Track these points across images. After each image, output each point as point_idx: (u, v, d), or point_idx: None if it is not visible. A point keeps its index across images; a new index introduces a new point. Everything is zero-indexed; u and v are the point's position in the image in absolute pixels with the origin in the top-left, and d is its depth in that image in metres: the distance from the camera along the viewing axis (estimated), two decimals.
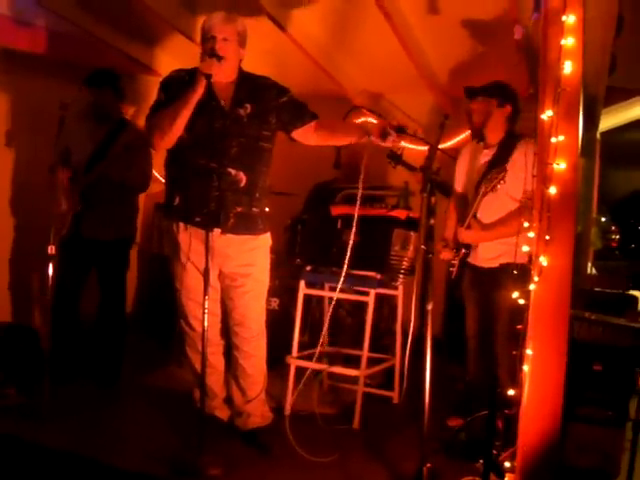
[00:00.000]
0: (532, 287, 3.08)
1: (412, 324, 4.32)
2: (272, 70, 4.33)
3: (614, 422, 4.02)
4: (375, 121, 4.26)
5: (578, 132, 3.09)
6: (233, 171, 3.88)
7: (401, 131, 3.93)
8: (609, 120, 8.34)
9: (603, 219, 10.38)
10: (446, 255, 4.41)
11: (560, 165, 3.04)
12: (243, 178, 3.92)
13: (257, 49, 4.27)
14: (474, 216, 4.22)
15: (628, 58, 5.43)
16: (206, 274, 3.59)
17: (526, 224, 3.30)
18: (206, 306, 3.59)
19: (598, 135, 8.68)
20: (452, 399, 4.69)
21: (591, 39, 3.38)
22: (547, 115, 3.09)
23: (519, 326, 3.13)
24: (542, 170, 3.12)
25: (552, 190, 3.04)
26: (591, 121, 5.45)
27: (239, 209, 3.93)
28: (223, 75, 3.84)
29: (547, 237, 3.04)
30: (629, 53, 5.36)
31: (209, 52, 3.73)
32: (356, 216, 4.08)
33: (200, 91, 3.72)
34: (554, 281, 3.04)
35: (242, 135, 3.90)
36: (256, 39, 4.14)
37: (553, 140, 3.05)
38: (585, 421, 4.31)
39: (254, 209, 4.00)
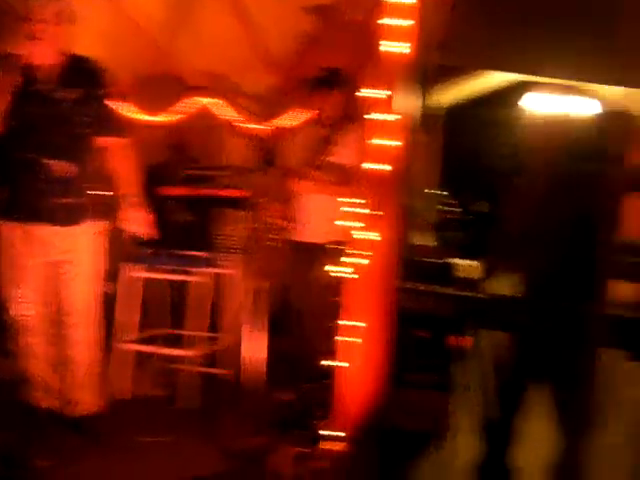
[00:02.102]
0: (360, 261, 3.15)
1: (247, 302, 4.38)
2: (108, 51, 4.22)
3: (440, 386, 4.21)
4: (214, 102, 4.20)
5: (405, 109, 3.16)
6: (58, 161, 3.74)
7: None
8: (447, 97, 8.62)
9: (442, 192, 10.80)
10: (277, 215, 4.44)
11: (387, 142, 3.10)
12: (69, 168, 3.79)
13: (92, 30, 4.14)
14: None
15: (465, 36, 5.62)
16: (33, 265, 3.50)
17: (352, 200, 3.37)
18: (30, 296, 3.51)
19: (442, 111, 8.98)
20: (286, 373, 4.74)
21: (424, 17, 3.46)
22: (374, 93, 3.15)
23: (335, 298, 3.20)
24: (369, 147, 3.18)
25: (379, 166, 3.11)
26: (426, 97, 5.60)
27: (66, 200, 3.80)
28: (41, 57, 3.68)
29: (375, 212, 3.11)
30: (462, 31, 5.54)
31: (26, 34, 3.60)
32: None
33: (12, 75, 3.58)
34: (381, 254, 3.12)
35: (66, 122, 3.76)
36: (91, 19, 4.00)
37: (380, 117, 3.12)
38: (413, 386, 4.50)
39: (81, 199, 3.86)
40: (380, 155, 3.12)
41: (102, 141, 3.93)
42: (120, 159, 3.97)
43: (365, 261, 3.14)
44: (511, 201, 3.59)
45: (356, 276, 3.19)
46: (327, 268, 3.36)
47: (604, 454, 2.68)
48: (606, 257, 2.31)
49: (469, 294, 3.12)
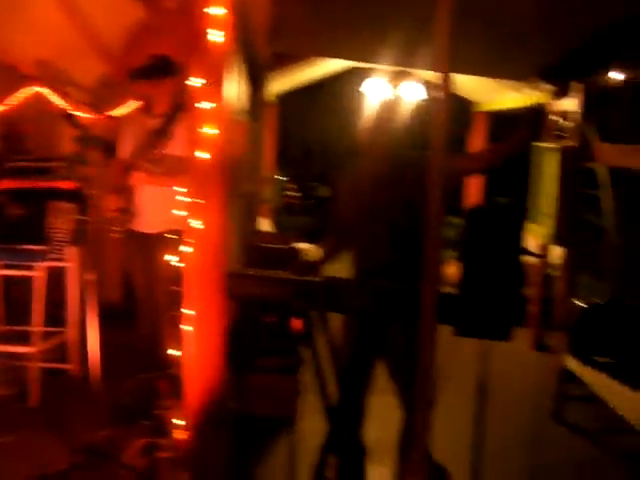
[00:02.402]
0: (187, 249, 3.17)
1: (78, 295, 4.31)
2: None
3: (288, 369, 4.30)
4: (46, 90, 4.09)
5: (224, 98, 3.17)
6: None
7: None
8: (282, 84, 8.73)
9: (281, 177, 10.92)
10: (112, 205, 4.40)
11: (208, 130, 3.13)
12: None
13: None
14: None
15: (293, 25, 5.71)
16: None
17: (184, 189, 3.39)
18: None
19: (273, 97, 9.07)
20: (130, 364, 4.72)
21: (242, 6, 3.49)
22: (196, 82, 3.16)
23: (176, 287, 3.21)
24: (192, 136, 3.20)
25: (201, 154, 3.13)
26: (257, 85, 5.65)
27: None
28: None
29: (199, 200, 3.13)
30: (293, 20, 5.63)
31: None
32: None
33: None
34: (208, 242, 3.14)
35: None
36: None
37: (202, 106, 3.14)
38: (263, 371, 4.56)
39: None
40: (205, 143, 3.13)
41: None
42: None
43: (191, 249, 3.15)
44: (345, 185, 3.69)
45: (186, 264, 3.20)
46: (166, 257, 3.35)
47: (441, 425, 2.85)
48: (435, 237, 2.43)
49: (308, 278, 3.19)
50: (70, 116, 3.93)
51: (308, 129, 12.40)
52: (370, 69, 8.40)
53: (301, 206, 11.49)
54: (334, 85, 10.59)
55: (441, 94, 2.41)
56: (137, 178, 4.32)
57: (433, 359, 2.49)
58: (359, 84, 8.69)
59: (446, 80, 2.42)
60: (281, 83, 8.62)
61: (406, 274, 2.73)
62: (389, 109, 3.54)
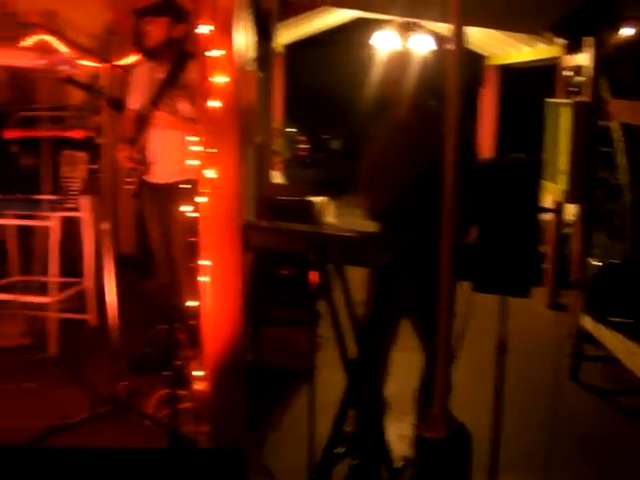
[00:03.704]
0: (201, 200, 3.14)
1: (92, 245, 4.29)
2: None
3: (305, 322, 4.29)
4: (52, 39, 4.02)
5: (234, 45, 3.11)
6: None
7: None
8: (290, 34, 8.62)
9: (291, 130, 10.84)
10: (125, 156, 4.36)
11: (219, 79, 3.07)
12: None
13: None
14: None
15: None
16: None
17: (195, 138, 3.35)
18: None
19: (280, 48, 8.96)
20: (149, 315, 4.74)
21: None
22: (204, 30, 3.10)
23: (192, 238, 3.19)
24: (202, 85, 3.15)
25: (213, 104, 3.08)
26: (266, 35, 5.58)
27: None
28: None
29: (212, 150, 3.09)
30: None
31: None
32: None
33: None
34: (222, 193, 3.11)
35: None
36: None
37: (210, 54, 3.08)
38: (278, 323, 4.57)
39: None
40: (216, 92, 3.08)
41: None
42: None
43: (206, 199, 3.12)
44: (377, 139, 3.63)
45: (202, 215, 3.17)
46: (182, 208, 3.33)
47: (460, 381, 2.85)
48: (451, 190, 2.40)
49: (326, 231, 3.16)
50: (74, 80, 3.83)
51: (316, 81, 12.28)
52: (378, 21, 8.28)
53: (311, 159, 11.44)
54: (342, 37, 10.47)
55: (453, 47, 2.37)
56: (159, 119, 4.24)
57: (452, 313, 2.48)
58: (366, 36, 8.57)
59: (459, 33, 2.36)
60: (288, 34, 8.51)
61: (429, 227, 2.70)
62: (407, 61, 3.48)
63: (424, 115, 3.40)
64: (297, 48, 9.85)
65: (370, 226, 3.53)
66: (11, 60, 4.03)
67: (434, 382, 2.57)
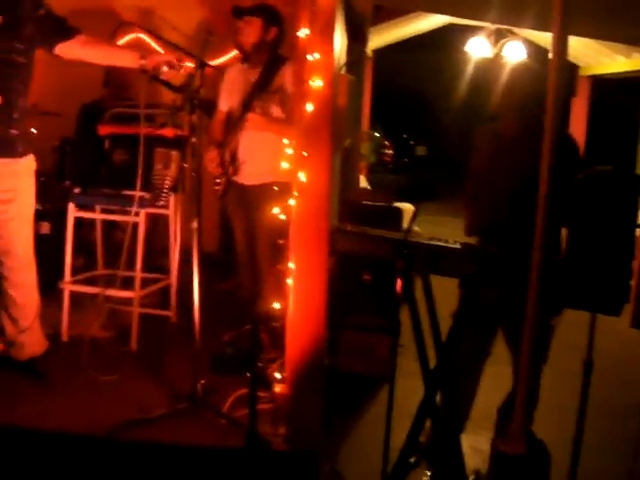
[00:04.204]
0: (291, 202, 3.14)
1: (178, 242, 4.34)
2: None
3: (385, 329, 4.25)
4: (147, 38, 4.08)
5: (333, 50, 3.11)
6: None
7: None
8: (379, 39, 8.59)
9: (377, 134, 10.79)
10: (214, 161, 4.42)
11: (316, 82, 3.07)
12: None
13: None
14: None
15: None
16: None
17: (286, 141, 3.36)
18: None
19: (370, 52, 8.93)
20: (229, 314, 4.76)
21: None
22: (303, 33, 3.11)
23: (280, 241, 3.19)
24: (299, 88, 3.16)
25: (308, 107, 3.08)
26: (359, 39, 5.57)
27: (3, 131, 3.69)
28: None
29: (304, 153, 3.09)
30: None
31: None
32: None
33: None
34: (313, 196, 3.10)
35: None
36: None
37: (309, 58, 3.08)
38: (357, 329, 4.54)
39: (12, 130, 3.74)
40: (312, 96, 3.08)
41: (66, 46, 3.82)
42: (95, 44, 3.90)
43: (297, 202, 3.11)
44: (484, 149, 3.56)
45: (291, 218, 3.18)
46: (272, 210, 3.34)
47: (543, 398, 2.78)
48: (547, 203, 2.34)
49: (413, 239, 3.11)
50: (164, 82, 3.88)
51: (403, 86, 12.23)
52: (469, 27, 8.18)
53: (394, 164, 11.37)
54: (430, 42, 10.38)
55: (554, 56, 2.30)
56: (247, 123, 4.27)
57: (538, 329, 2.41)
58: (455, 42, 8.48)
59: (561, 42, 2.29)
60: (379, 38, 8.48)
61: (525, 239, 2.63)
62: (518, 72, 3.40)
63: (538, 132, 3.32)
64: (385, 52, 9.82)
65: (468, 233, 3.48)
66: (112, 60, 4.06)
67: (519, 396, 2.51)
